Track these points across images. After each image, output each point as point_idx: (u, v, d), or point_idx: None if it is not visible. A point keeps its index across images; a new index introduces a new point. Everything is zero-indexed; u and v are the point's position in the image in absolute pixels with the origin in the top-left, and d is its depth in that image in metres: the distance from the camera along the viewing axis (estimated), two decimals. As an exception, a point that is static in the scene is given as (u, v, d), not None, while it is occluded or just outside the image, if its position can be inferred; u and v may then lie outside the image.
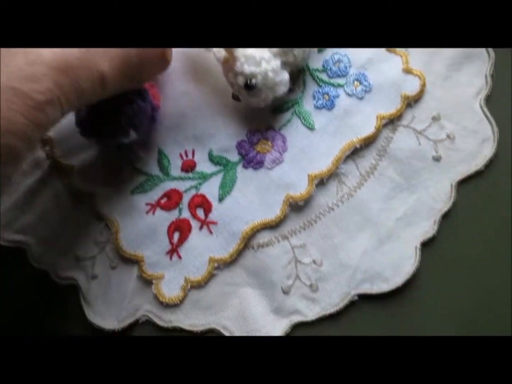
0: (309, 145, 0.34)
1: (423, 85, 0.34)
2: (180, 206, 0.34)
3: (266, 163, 0.34)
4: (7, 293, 0.35)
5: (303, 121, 0.34)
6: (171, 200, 0.34)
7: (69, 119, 0.32)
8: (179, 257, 0.34)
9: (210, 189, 0.34)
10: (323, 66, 0.35)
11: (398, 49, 0.35)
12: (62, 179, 0.35)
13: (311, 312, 0.33)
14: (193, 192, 0.34)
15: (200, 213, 0.34)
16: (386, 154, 0.34)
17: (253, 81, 0.30)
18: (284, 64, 0.32)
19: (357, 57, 0.35)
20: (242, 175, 0.34)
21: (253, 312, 0.33)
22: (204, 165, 0.34)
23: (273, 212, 0.33)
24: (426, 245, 0.33)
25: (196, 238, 0.34)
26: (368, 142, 0.34)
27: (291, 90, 0.34)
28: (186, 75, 0.35)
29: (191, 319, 0.33)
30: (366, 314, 0.33)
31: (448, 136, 0.34)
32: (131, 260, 0.34)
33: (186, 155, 0.34)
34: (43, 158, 0.35)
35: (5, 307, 0.34)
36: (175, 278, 0.33)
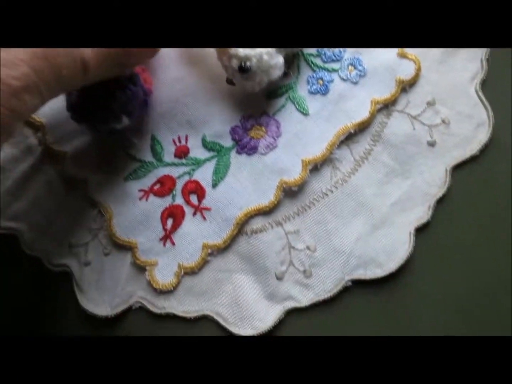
0: (303, 130, 0.34)
1: (418, 70, 0.34)
2: (174, 192, 0.34)
3: (260, 149, 0.34)
4: (0, 281, 0.34)
5: (297, 106, 0.34)
6: (165, 186, 0.34)
7: (61, 106, 0.31)
8: (173, 243, 0.33)
9: (204, 175, 0.34)
10: (318, 51, 0.34)
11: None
12: (54, 166, 0.34)
13: (304, 298, 0.33)
14: (186, 178, 0.34)
15: (193, 199, 0.34)
16: (380, 139, 0.34)
17: (248, 63, 0.30)
18: (279, 49, 0.31)
19: (352, 41, 0.34)
20: (236, 161, 0.34)
21: (247, 298, 0.33)
22: (197, 151, 0.34)
23: (267, 198, 0.33)
24: (420, 231, 0.33)
25: (190, 224, 0.34)
26: (362, 127, 0.34)
27: (285, 75, 0.33)
28: (180, 60, 0.34)
29: (184, 306, 0.33)
30: (360, 299, 0.33)
31: (443, 121, 0.34)
32: (125, 246, 0.33)
33: (180, 141, 0.34)
34: (35, 145, 0.35)
35: (-3, 294, 0.34)
36: (168, 265, 0.33)
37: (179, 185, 0.34)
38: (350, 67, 0.34)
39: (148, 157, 0.34)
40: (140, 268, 0.33)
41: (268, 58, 0.30)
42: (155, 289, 0.33)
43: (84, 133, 0.34)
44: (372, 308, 0.32)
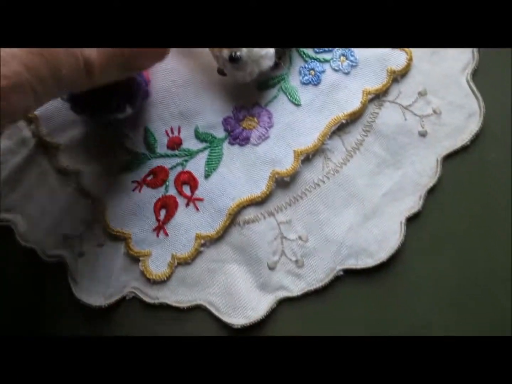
0: (295, 121, 0.34)
1: (410, 60, 0.33)
2: (167, 183, 0.34)
3: (252, 139, 0.34)
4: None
5: (289, 97, 0.34)
6: (157, 177, 0.34)
7: (55, 98, 0.31)
8: (166, 234, 0.34)
9: (196, 166, 0.34)
10: (310, 41, 0.34)
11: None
12: (48, 158, 0.35)
13: (296, 288, 0.33)
14: (179, 169, 0.34)
15: (186, 190, 0.34)
16: (372, 129, 0.34)
17: (238, 53, 0.30)
18: (270, 40, 0.32)
19: (344, 32, 0.34)
20: (228, 152, 0.34)
21: (239, 288, 0.33)
22: (190, 142, 0.34)
23: (259, 188, 0.33)
24: (412, 220, 0.33)
25: (183, 215, 0.34)
26: (354, 118, 0.34)
27: (277, 66, 0.33)
28: (172, 51, 0.34)
29: (177, 296, 0.33)
30: (351, 289, 0.33)
31: (434, 111, 0.34)
32: (118, 237, 0.34)
33: (172, 132, 0.34)
34: (29, 137, 0.35)
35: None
36: (162, 255, 0.34)
37: (172, 176, 0.34)
38: (342, 57, 0.34)
39: (142, 148, 0.34)
40: (134, 259, 0.34)
41: (258, 48, 0.30)
42: (148, 280, 0.33)
43: (78, 125, 0.34)
44: (363, 297, 0.33)
